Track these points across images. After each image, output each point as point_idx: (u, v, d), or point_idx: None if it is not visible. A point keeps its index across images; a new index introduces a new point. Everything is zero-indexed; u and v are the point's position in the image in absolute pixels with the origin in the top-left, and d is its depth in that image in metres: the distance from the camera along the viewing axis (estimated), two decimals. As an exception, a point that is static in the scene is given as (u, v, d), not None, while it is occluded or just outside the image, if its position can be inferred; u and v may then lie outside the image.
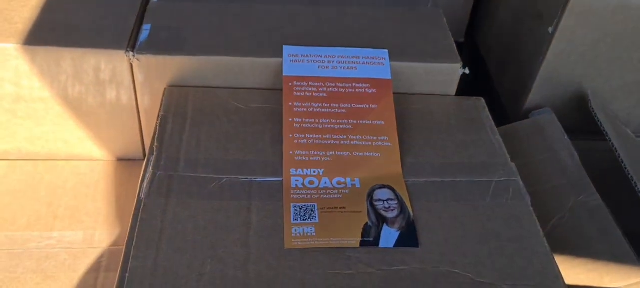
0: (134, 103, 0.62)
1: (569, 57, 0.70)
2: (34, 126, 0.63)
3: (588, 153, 0.70)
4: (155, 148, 0.53)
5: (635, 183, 0.61)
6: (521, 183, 0.54)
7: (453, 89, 0.63)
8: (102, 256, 0.58)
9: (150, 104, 0.61)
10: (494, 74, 0.85)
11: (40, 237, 0.59)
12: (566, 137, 0.69)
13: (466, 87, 0.65)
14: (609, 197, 0.65)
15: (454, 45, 0.63)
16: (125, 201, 0.63)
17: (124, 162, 0.67)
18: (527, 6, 0.76)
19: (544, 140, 0.70)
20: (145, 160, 0.53)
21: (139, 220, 0.48)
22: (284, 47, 0.60)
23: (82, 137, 0.65)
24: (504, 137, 0.60)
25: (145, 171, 0.51)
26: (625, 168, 0.64)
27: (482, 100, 0.63)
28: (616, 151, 0.66)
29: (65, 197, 0.63)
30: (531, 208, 0.52)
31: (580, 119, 0.76)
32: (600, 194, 0.65)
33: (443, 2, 0.73)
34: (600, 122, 0.70)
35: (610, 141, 0.68)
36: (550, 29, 0.68)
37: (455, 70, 0.62)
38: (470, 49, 0.93)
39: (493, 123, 0.60)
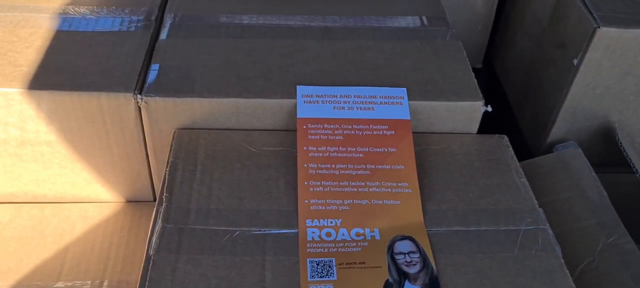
0: (143, 146, 0.60)
1: (595, 89, 0.67)
2: (41, 169, 0.61)
3: (614, 187, 0.67)
4: (164, 198, 0.51)
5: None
6: (550, 231, 0.51)
7: (475, 127, 0.60)
8: (110, 309, 0.55)
9: (160, 146, 0.59)
10: (514, 104, 0.82)
11: (46, 288, 0.57)
12: (593, 173, 0.66)
13: (483, 116, 0.62)
14: (635, 231, 0.62)
15: (475, 81, 0.61)
16: (134, 246, 0.61)
17: (134, 204, 0.65)
18: (549, 35, 0.73)
19: (569, 176, 0.67)
20: (154, 211, 0.50)
21: (147, 279, 0.45)
22: (298, 87, 0.57)
23: (89, 179, 0.62)
24: (527, 173, 0.57)
25: (154, 224, 0.49)
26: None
27: (506, 138, 0.60)
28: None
29: (73, 242, 0.61)
30: (562, 261, 0.49)
31: (605, 151, 0.73)
32: (627, 228, 0.62)
33: (460, 27, 0.71)
34: (628, 156, 0.67)
35: (638, 174, 0.65)
36: (575, 61, 0.65)
37: (477, 108, 0.59)
38: (487, 76, 0.90)
39: (518, 163, 0.57)
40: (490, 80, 0.90)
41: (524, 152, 0.74)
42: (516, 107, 0.82)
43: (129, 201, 0.65)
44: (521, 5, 0.82)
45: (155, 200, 0.65)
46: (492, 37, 0.88)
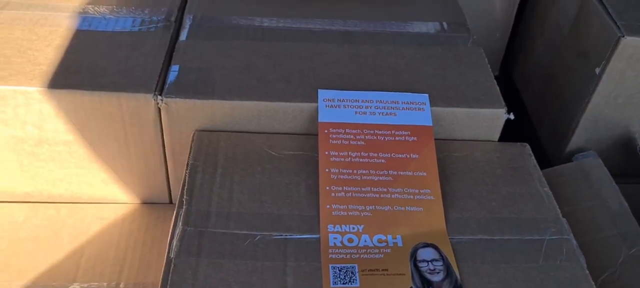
0: (161, 147, 0.59)
1: (616, 99, 0.67)
2: (57, 169, 0.61)
3: (635, 197, 0.66)
4: (185, 201, 0.50)
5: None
6: (574, 242, 0.50)
7: (496, 135, 0.60)
8: (126, 312, 0.55)
9: (178, 148, 0.59)
10: (532, 112, 0.82)
11: (61, 289, 0.56)
12: (614, 183, 0.66)
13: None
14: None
15: (498, 88, 0.60)
16: (150, 248, 0.60)
17: (149, 205, 0.64)
18: (570, 43, 0.72)
19: (589, 186, 0.66)
20: (175, 213, 0.50)
21: (169, 282, 0.44)
22: (319, 91, 0.57)
23: (106, 179, 0.62)
24: (547, 182, 0.56)
25: (175, 226, 0.49)
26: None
27: (528, 147, 0.60)
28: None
29: (88, 243, 0.60)
30: (587, 272, 0.48)
31: (625, 161, 0.72)
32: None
33: (478, 33, 0.70)
34: (649, 166, 0.67)
35: (658, 186, 0.65)
36: (597, 70, 0.65)
37: (499, 116, 0.58)
38: (505, 83, 0.89)
39: (540, 172, 0.57)
40: (507, 87, 0.89)
41: (542, 160, 0.73)
42: (534, 114, 0.81)
43: (144, 203, 0.64)
44: (541, 12, 0.81)
45: (171, 202, 0.65)
46: (510, 43, 0.87)
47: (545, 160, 0.76)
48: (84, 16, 0.64)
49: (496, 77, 0.63)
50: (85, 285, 0.56)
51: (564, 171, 0.69)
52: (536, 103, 0.81)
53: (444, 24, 0.69)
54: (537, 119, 0.80)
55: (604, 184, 0.66)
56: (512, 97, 0.88)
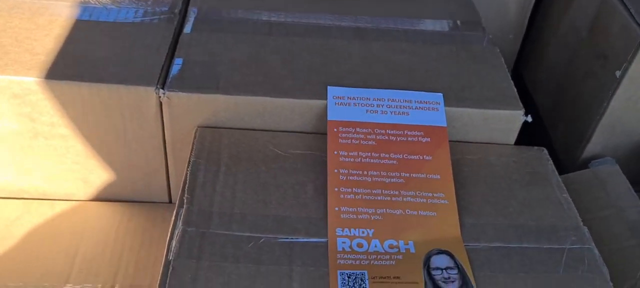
0: (162, 143, 0.57)
1: (637, 103, 0.64)
2: (53, 164, 0.58)
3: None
4: (185, 200, 0.48)
5: None
6: (597, 251, 0.48)
7: (512, 138, 0.57)
8: (121, 316, 0.52)
9: (179, 144, 0.56)
10: (545, 115, 0.79)
11: (53, 291, 0.53)
12: (632, 191, 0.63)
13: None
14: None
15: (515, 90, 0.58)
16: (148, 249, 0.57)
17: (148, 204, 0.62)
18: (588, 45, 0.70)
19: (606, 194, 0.64)
20: (174, 213, 0.47)
21: (167, 285, 0.42)
22: (329, 88, 0.54)
23: (103, 177, 0.59)
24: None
25: (174, 226, 0.46)
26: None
27: (545, 151, 0.57)
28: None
29: (83, 242, 0.57)
30: (611, 284, 0.45)
31: (643, 169, 0.69)
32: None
33: (490, 34, 0.68)
34: (668, 175, 0.64)
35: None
36: (617, 73, 0.62)
37: (516, 118, 0.56)
38: (517, 85, 0.87)
39: (559, 178, 0.54)
40: (519, 90, 0.86)
41: (556, 166, 0.70)
42: (548, 118, 0.78)
43: (142, 201, 0.62)
44: (556, 14, 0.79)
45: (170, 201, 0.62)
46: (522, 45, 0.85)
47: (558, 167, 0.73)
48: (84, 6, 0.61)
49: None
50: (79, 286, 0.54)
51: (579, 178, 0.67)
52: (550, 107, 0.79)
53: (458, 22, 0.66)
54: (551, 124, 0.78)
55: (622, 192, 0.63)
56: (524, 100, 0.85)
